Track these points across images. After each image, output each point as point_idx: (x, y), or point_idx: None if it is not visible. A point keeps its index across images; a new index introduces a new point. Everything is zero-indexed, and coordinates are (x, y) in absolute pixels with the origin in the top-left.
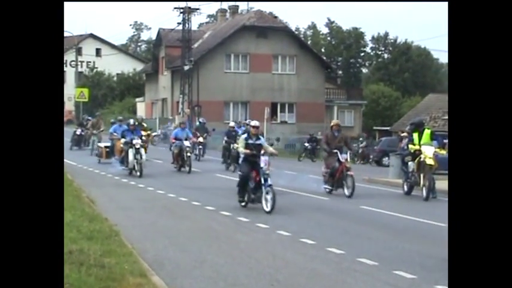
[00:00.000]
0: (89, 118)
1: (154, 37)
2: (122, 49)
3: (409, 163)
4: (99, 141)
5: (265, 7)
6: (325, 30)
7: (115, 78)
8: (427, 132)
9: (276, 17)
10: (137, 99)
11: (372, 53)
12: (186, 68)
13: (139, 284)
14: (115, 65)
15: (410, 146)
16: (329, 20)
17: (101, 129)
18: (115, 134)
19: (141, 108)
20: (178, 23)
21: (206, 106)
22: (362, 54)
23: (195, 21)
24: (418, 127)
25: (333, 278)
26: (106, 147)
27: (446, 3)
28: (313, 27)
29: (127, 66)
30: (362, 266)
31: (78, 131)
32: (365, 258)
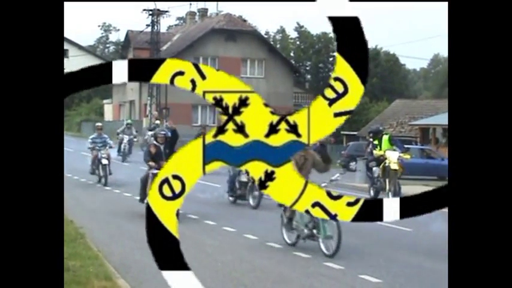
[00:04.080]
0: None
1: (122, 39)
2: (90, 50)
3: (374, 168)
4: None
5: (235, 10)
6: (294, 34)
7: None
8: (385, 138)
9: (245, 21)
10: (105, 101)
11: None
12: None
13: (104, 287)
14: (82, 66)
15: (375, 151)
16: (298, 24)
17: None
18: None
19: (108, 110)
20: (147, 25)
21: (174, 109)
22: (331, 59)
23: (164, 23)
24: (376, 134)
25: (300, 282)
26: None
27: (446, 4)
28: (282, 31)
29: None
30: (328, 270)
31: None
32: (331, 263)
